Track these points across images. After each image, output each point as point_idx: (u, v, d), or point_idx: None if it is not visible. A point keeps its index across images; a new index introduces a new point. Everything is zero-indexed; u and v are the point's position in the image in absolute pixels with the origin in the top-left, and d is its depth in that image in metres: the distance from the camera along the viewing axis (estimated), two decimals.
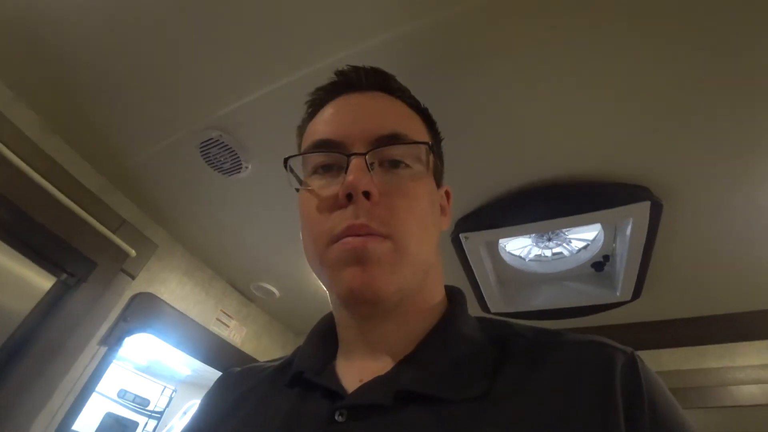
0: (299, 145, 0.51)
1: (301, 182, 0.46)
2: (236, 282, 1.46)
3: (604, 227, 1.02)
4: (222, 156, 0.92)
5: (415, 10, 0.64)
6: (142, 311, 1.14)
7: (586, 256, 1.10)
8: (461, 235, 0.97)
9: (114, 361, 1.12)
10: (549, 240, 1.08)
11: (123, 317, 1.09)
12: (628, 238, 0.93)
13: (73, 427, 0.99)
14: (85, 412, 1.26)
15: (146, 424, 2.50)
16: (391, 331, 0.41)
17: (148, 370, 2.55)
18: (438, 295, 0.45)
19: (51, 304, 0.97)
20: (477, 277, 1.10)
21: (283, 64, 0.74)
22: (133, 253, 1.10)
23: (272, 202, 1.06)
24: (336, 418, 0.35)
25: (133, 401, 2.46)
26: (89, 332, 1.02)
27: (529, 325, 0.42)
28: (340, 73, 0.49)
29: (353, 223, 0.37)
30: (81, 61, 0.80)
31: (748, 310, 1.20)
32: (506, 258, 1.13)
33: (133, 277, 1.13)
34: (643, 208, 0.86)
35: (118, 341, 1.08)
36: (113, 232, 1.07)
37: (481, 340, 0.40)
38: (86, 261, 1.01)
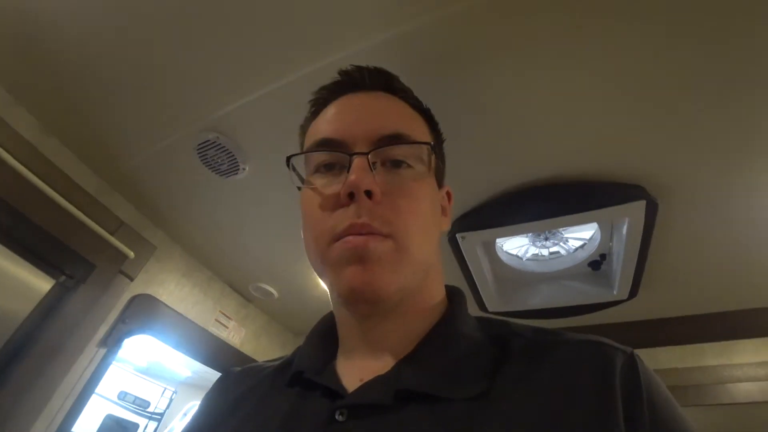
0: (301, 144, 0.51)
1: (303, 181, 0.46)
2: (235, 283, 1.46)
3: (600, 226, 1.02)
4: (219, 158, 0.92)
5: (409, 11, 0.64)
6: (141, 313, 1.15)
7: (583, 255, 1.10)
8: (458, 235, 0.98)
9: (114, 362, 1.13)
10: (546, 239, 1.09)
11: (122, 319, 1.10)
12: (624, 237, 0.93)
13: (73, 429, 1.00)
14: (85, 414, 1.26)
15: (146, 425, 2.50)
16: (391, 331, 0.41)
17: (148, 372, 2.55)
18: (438, 295, 0.45)
19: (50, 306, 0.98)
20: (474, 277, 1.10)
21: (279, 66, 0.75)
22: (131, 254, 1.10)
23: (270, 203, 1.06)
24: (336, 417, 0.35)
25: (133, 403, 2.46)
26: (88, 334, 1.02)
27: (528, 324, 0.42)
28: (343, 73, 0.49)
29: (355, 222, 0.38)
30: (78, 63, 0.80)
31: (745, 308, 1.20)
32: (503, 257, 1.14)
33: (131, 279, 1.14)
34: (639, 207, 0.86)
35: (117, 343, 1.08)
36: (111, 233, 1.07)
37: (480, 340, 0.40)
38: (85, 263, 1.02)
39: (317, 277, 1.30)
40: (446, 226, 0.50)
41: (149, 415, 2.52)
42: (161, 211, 1.17)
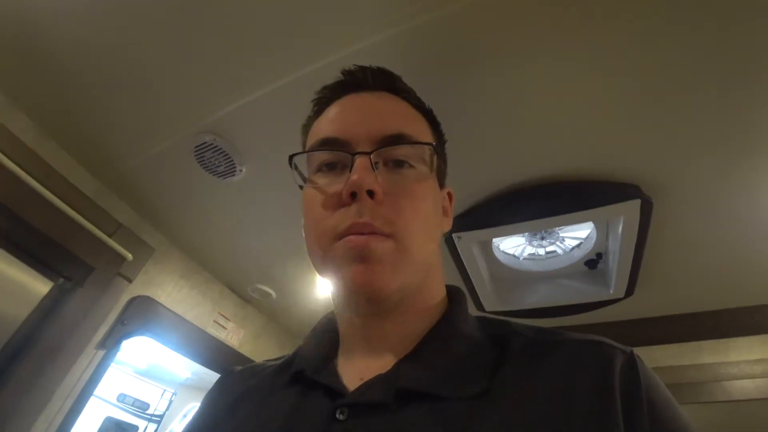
0: (303, 143, 0.51)
1: (305, 179, 0.46)
2: (233, 284, 1.47)
3: (596, 225, 1.03)
4: (216, 159, 0.93)
5: (406, 11, 0.64)
6: (140, 314, 1.15)
7: (580, 254, 1.11)
8: (454, 235, 0.98)
9: (113, 364, 1.13)
10: (542, 239, 1.09)
11: (120, 320, 1.10)
12: (619, 236, 0.94)
13: (72, 431, 1.00)
14: (85, 417, 1.26)
15: (146, 427, 2.50)
16: (392, 330, 0.41)
17: (148, 374, 2.55)
18: (439, 295, 0.45)
19: (48, 308, 0.98)
20: (471, 276, 1.11)
21: (276, 68, 0.75)
22: (129, 256, 1.11)
23: (267, 204, 1.06)
24: (337, 416, 0.35)
25: (132, 405, 2.46)
26: (87, 336, 1.02)
27: (528, 324, 0.42)
28: (347, 73, 0.49)
29: (357, 221, 0.38)
30: (76, 67, 0.80)
31: (741, 306, 1.21)
32: (500, 257, 1.14)
33: (130, 281, 1.14)
34: (634, 206, 0.87)
35: (116, 344, 1.08)
36: (110, 236, 1.07)
37: (480, 339, 0.40)
38: (83, 265, 1.02)
39: (315, 277, 1.30)
40: (447, 226, 0.51)
41: (149, 417, 2.52)
42: (159, 213, 1.17)
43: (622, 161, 0.84)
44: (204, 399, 0.51)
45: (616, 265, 1.02)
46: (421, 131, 0.46)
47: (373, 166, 0.40)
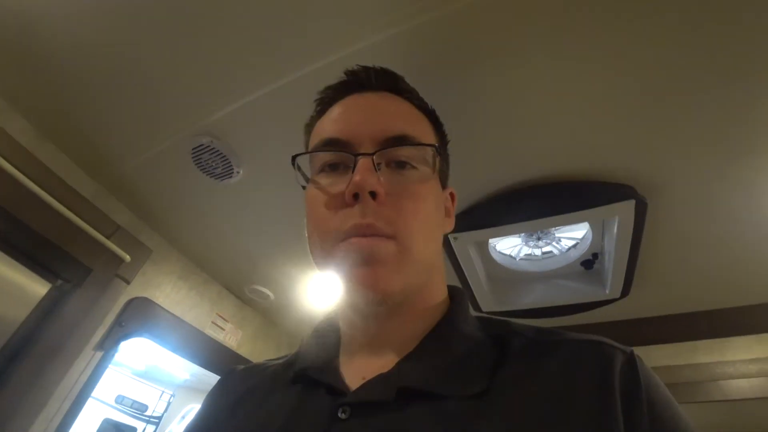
0: (306, 143, 0.51)
1: (308, 179, 0.46)
2: (231, 285, 1.47)
3: (591, 226, 1.03)
4: (213, 161, 0.93)
5: (405, 11, 0.65)
6: (138, 316, 1.15)
7: (576, 254, 1.12)
8: (450, 236, 0.99)
9: (111, 366, 1.13)
10: (539, 239, 1.10)
11: (118, 322, 1.10)
12: (615, 237, 0.94)
13: None
14: (83, 418, 1.26)
15: (144, 429, 2.49)
16: (393, 330, 0.42)
17: (146, 375, 2.54)
18: (441, 295, 0.46)
19: (46, 310, 0.98)
20: (467, 277, 1.11)
21: (272, 69, 0.76)
22: (127, 258, 1.11)
23: (264, 206, 1.07)
24: (339, 414, 0.35)
25: (131, 407, 2.45)
26: (85, 337, 1.03)
27: (529, 324, 0.42)
28: (349, 73, 0.49)
29: (360, 222, 0.38)
30: (73, 69, 0.81)
31: (736, 306, 1.21)
32: (497, 257, 1.15)
33: (128, 282, 1.14)
34: (628, 206, 0.87)
35: (114, 346, 1.09)
36: (108, 237, 1.08)
37: (481, 339, 0.40)
38: (81, 267, 1.02)
39: (312, 278, 1.30)
40: (449, 227, 0.51)
41: (147, 418, 2.52)
42: (157, 214, 1.17)
43: (616, 162, 0.85)
44: (205, 399, 0.52)
45: (612, 266, 1.02)
46: (424, 132, 0.46)
47: (376, 166, 0.40)
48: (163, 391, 2.62)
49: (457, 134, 0.81)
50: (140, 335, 1.16)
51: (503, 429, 0.31)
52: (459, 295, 0.47)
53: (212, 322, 1.41)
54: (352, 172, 0.40)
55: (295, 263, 1.26)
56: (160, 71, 0.79)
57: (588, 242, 1.08)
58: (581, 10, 0.61)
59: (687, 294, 1.20)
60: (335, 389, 0.38)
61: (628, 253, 0.98)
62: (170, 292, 1.28)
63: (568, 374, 0.34)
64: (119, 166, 1.02)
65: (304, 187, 0.47)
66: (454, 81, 0.73)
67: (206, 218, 1.15)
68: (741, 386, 1.16)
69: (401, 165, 0.42)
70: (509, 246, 1.14)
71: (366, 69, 0.49)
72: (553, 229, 1.06)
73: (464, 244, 1.01)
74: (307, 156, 0.47)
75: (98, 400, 2.29)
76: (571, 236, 1.10)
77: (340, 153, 0.43)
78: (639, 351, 0.36)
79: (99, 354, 1.06)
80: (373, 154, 0.40)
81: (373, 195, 0.39)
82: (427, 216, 0.42)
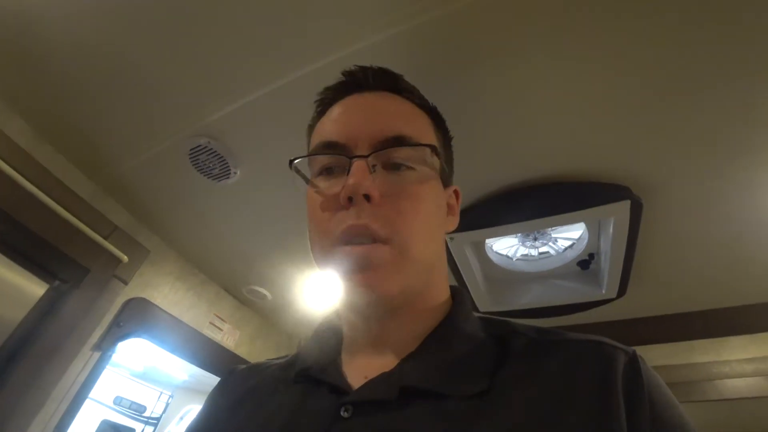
0: (309, 144, 0.51)
1: (307, 182, 0.46)
2: (229, 286, 1.47)
3: (587, 226, 1.04)
4: (211, 162, 0.94)
5: (404, 11, 0.65)
6: (136, 316, 1.15)
7: (572, 254, 1.12)
8: (447, 236, 0.99)
9: (109, 367, 1.13)
10: (535, 239, 1.10)
11: (116, 322, 1.10)
12: (611, 237, 0.95)
13: None
14: (81, 420, 1.26)
15: (143, 430, 2.49)
16: (395, 330, 0.42)
17: (145, 376, 2.54)
18: (443, 295, 0.46)
19: (44, 310, 0.98)
20: (464, 277, 1.11)
21: (269, 70, 0.76)
22: (125, 258, 1.11)
23: (261, 206, 1.07)
24: (341, 413, 0.35)
25: (129, 408, 2.44)
26: (82, 338, 1.03)
27: (530, 324, 0.42)
28: (347, 73, 0.49)
29: (354, 224, 0.38)
30: (71, 70, 0.81)
31: (733, 306, 1.22)
32: (493, 257, 1.15)
33: (125, 283, 1.14)
34: (624, 206, 0.87)
35: (112, 346, 1.09)
36: (105, 238, 1.08)
37: (483, 339, 0.41)
38: (79, 267, 1.02)
39: (310, 278, 1.31)
40: (453, 225, 0.51)
41: (145, 419, 2.51)
42: (155, 215, 1.17)
43: (612, 162, 0.85)
44: (208, 397, 0.52)
45: (608, 266, 1.02)
46: (423, 131, 0.46)
47: (371, 168, 0.40)
48: (161, 392, 2.61)
49: (455, 134, 0.82)
50: (138, 336, 1.16)
51: (504, 428, 0.31)
52: (461, 296, 0.47)
53: (210, 323, 1.41)
54: (348, 174, 0.40)
55: (293, 264, 1.26)
56: (158, 72, 0.79)
57: (584, 242, 1.08)
58: (581, 10, 0.61)
59: (683, 294, 1.20)
60: (337, 388, 0.38)
61: (624, 254, 0.98)
62: (168, 293, 1.28)
63: (569, 374, 0.34)
64: (117, 167, 1.02)
65: (304, 188, 0.47)
66: (454, 81, 0.73)
67: (204, 219, 1.15)
68: (737, 385, 1.16)
69: (397, 166, 0.42)
70: (506, 246, 1.14)
71: (363, 69, 0.49)
72: (550, 229, 1.06)
73: (461, 244, 1.01)
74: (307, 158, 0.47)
75: (96, 401, 2.28)
76: (568, 236, 1.10)
77: (335, 156, 0.43)
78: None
79: (97, 354, 1.06)
80: (367, 156, 0.41)
81: (368, 197, 0.39)
82: (426, 216, 0.42)
